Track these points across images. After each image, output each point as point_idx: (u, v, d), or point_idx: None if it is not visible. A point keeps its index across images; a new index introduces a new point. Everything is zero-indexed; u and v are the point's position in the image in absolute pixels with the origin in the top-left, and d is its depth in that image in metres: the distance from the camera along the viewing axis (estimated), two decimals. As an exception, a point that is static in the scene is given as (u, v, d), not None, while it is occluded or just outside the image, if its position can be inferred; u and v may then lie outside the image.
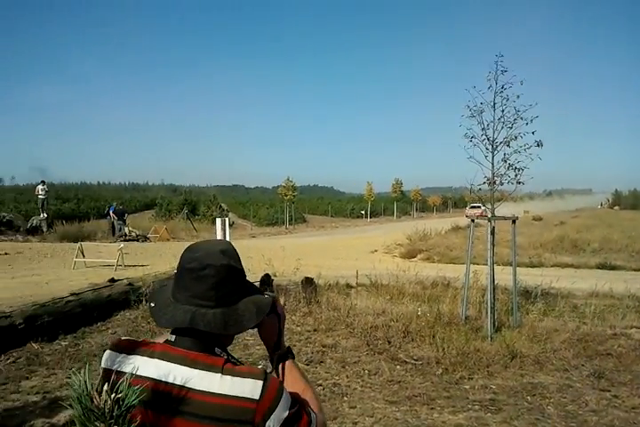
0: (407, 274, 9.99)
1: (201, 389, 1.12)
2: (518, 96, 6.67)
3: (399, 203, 60.30)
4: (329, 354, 5.99)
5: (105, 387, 0.99)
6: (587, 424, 4.34)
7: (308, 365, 5.59)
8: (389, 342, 6.39)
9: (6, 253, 15.48)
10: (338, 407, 4.63)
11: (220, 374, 1.14)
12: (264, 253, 12.55)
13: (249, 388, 1.13)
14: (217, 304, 1.20)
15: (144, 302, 7.57)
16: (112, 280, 7.82)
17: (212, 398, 1.11)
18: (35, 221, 23.50)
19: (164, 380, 1.14)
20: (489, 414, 4.57)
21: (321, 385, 5.10)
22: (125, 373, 1.15)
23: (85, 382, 1.01)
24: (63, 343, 6.18)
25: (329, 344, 6.25)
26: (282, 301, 7.44)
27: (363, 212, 55.16)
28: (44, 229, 22.92)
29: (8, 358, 5.53)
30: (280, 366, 1.36)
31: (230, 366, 1.17)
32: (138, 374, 1.14)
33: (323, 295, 8.22)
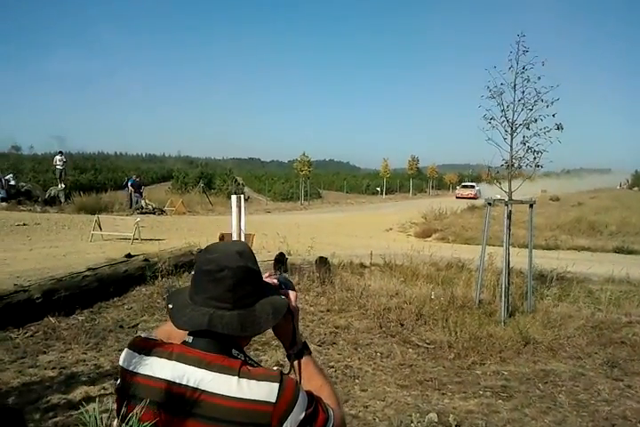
0: (421, 255, 9.95)
1: (217, 392, 1.12)
2: (539, 77, 6.51)
3: (415, 180, 59.91)
4: (341, 335, 6.02)
5: (115, 423, 0.98)
6: (598, 414, 4.34)
7: (320, 346, 5.63)
8: (402, 325, 6.40)
9: (25, 224, 15.66)
10: (349, 390, 4.66)
11: (236, 378, 1.14)
12: (279, 230, 12.57)
13: (265, 391, 1.13)
14: (234, 306, 1.20)
15: (160, 278, 7.65)
16: (128, 256, 7.89)
17: (228, 402, 1.11)
18: (52, 192, 23.72)
19: (178, 382, 1.14)
20: (500, 400, 4.58)
21: (333, 367, 5.13)
22: (140, 374, 1.18)
23: (96, 417, 1.00)
24: (80, 318, 6.27)
25: (342, 325, 6.27)
26: (295, 280, 7.46)
27: (378, 189, 54.83)
28: (62, 200, 23.15)
29: (26, 332, 5.62)
30: (297, 362, 1.35)
31: (247, 369, 1.17)
32: (154, 375, 1.16)
33: (336, 275, 8.23)
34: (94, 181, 36.62)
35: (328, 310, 6.69)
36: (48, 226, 16.09)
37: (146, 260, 7.95)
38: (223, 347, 1.20)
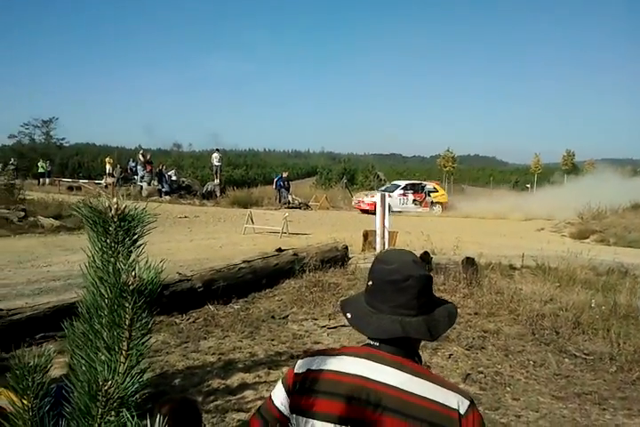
0: (578, 258, 9.26)
1: (411, 391, 1.18)
2: None
3: (570, 176, 55.88)
4: (490, 340, 5.80)
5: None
6: None
7: (468, 350, 5.47)
8: (557, 333, 6.01)
9: (186, 217, 17.03)
10: (500, 398, 4.49)
11: (427, 381, 1.20)
12: (422, 228, 12.41)
13: (455, 401, 1.18)
14: (418, 312, 1.26)
15: (307, 272, 7.91)
16: (279, 250, 8.25)
17: (420, 401, 1.16)
18: (209, 187, 25.54)
19: (373, 378, 1.20)
20: (673, 423, 4.14)
21: (482, 373, 4.97)
22: (330, 370, 1.25)
23: None
24: (236, 307, 6.70)
25: (490, 330, 6.04)
26: (441, 280, 7.32)
27: (528, 185, 51.99)
28: (218, 195, 24.82)
29: (189, 318, 6.12)
30: None
31: (435, 375, 1.26)
32: (346, 371, 1.23)
33: (484, 276, 7.94)
34: (246, 177, 38.91)
35: (476, 313, 6.48)
36: (206, 219, 17.36)
37: (295, 254, 8.26)
38: (408, 352, 1.26)
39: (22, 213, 14.31)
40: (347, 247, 9.29)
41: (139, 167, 26.14)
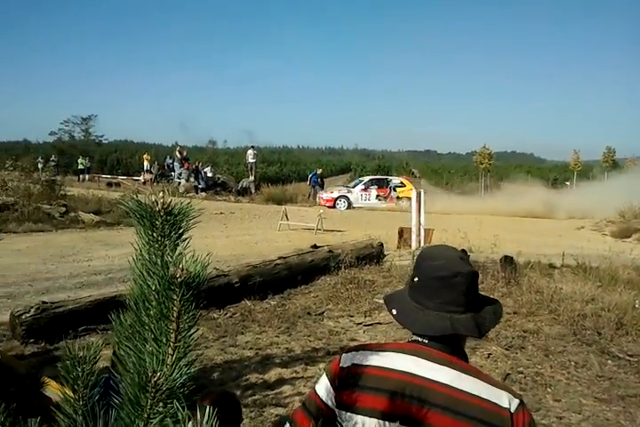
0: (620, 257, 9.01)
1: (460, 388, 1.16)
2: None
3: (611, 173, 54.38)
4: (530, 340, 5.69)
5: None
6: None
7: (507, 350, 5.38)
8: (599, 334, 5.86)
9: (221, 213, 17.22)
10: (540, 399, 4.40)
11: (476, 379, 1.19)
12: (459, 226, 12.26)
13: (505, 399, 1.16)
14: (466, 309, 1.24)
15: (343, 269, 7.90)
16: (314, 246, 8.27)
17: (470, 399, 1.15)
18: (244, 183, 25.80)
19: (421, 375, 1.19)
20: None
21: (522, 373, 4.88)
22: (376, 366, 1.23)
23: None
24: (272, 302, 6.74)
25: (530, 330, 5.93)
26: (479, 278, 7.19)
27: (567, 182, 50.75)
28: (252, 191, 25.03)
29: (226, 313, 6.19)
30: None
31: (484, 374, 1.25)
32: (393, 368, 1.22)
33: (523, 275, 7.79)
34: (280, 174, 39.12)
35: (515, 313, 6.36)
36: (241, 215, 17.52)
37: (330, 251, 8.27)
38: (455, 349, 1.25)
39: (63, 209, 14.72)
40: (382, 244, 9.25)
41: (175, 164, 26.56)
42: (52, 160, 31.16)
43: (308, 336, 5.52)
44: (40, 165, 19.64)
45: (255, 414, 3.76)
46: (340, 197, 23.50)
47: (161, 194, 0.84)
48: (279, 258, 7.53)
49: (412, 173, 40.75)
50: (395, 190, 24.00)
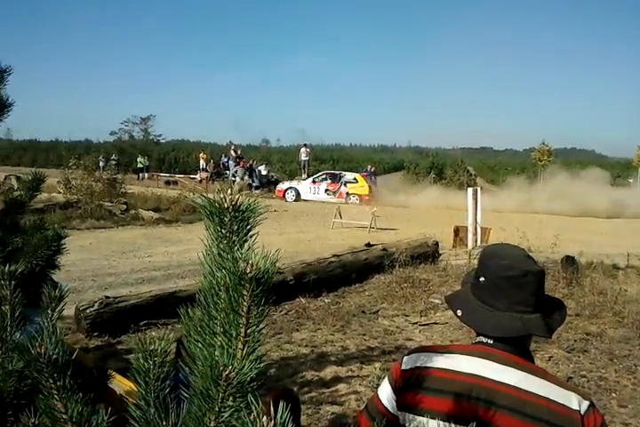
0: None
1: (528, 389, 1.14)
2: None
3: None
4: (593, 343, 5.49)
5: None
6: None
7: (569, 353, 5.21)
8: (668, 338, 5.60)
9: (275, 211, 17.41)
10: (605, 404, 4.24)
11: (543, 380, 1.16)
12: (517, 224, 11.95)
13: (575, 401, 1.13)
14: (535, 309, 1.22)
15: (397, 267, 7.85)
16: (368, 245, 8.24)
17: (538, 400, 1.13)
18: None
19: (488, 377, 1.17)
20: None
21: (585, 377, 4.72)
22: (441, 369, 1.22)
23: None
24: (326, 300, 6.77)
25: (593, 332, 5.72)
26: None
27: (630, 180, 48.63)
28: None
29: (281, 310, 6.25)
30: None
31: (551, 375, 1.23)
32: (460, 370, 1.20)
33: (585, 276, 7.52)
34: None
35: (577, 315, 6.14)
36: (294, 213, 17.66)
37: (384, 249, 8.22)
38: (521, 350, 1.22)
39: (124, 206, 15.23)
40: (437, 243, 9.14)
41: (230, 162, 27.04)
42: (113, 159, 32.27)
43: (363, 335, 5.51)
44: (101, 164, 20.38)
45: (312, 412, 3.79)
46: (290, 188, 23.71)
47: (229, 191, 0.85)
48: (333, 256, 7.55)
49: (467, 171, 39.88)
50: (345, 186, 23.44)
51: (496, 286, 1.24)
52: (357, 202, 22.86)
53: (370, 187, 23.68)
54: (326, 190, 23.59)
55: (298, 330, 5.65)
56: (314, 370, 4.55)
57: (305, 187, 23.46)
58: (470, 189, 11.07)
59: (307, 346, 5.14)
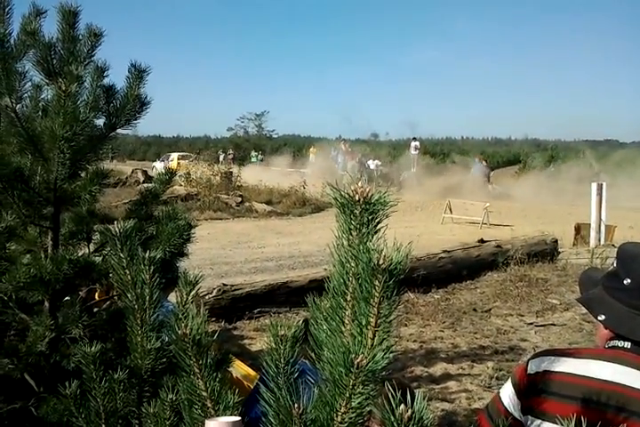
0: None
1: None
2: None
3: None
4: None
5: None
6: None
7: None
8: None
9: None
10: None
11: None
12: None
13: None
14: None
15: (512, 265, 7.56)
16: (481, 241, 8.00)
17: None
18: (406, 175, 25.72)
19: (623, 383, 1.12)
20: None
21: None
22: (566, 373, 1.17)
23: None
24: (436, 296, 6.67)
25: None
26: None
27: None
28: (414, 184, 24.87)
29: (390, 305, 6.23)
30: None
31: None
32: (593, 376, 1.15)
33: None
34: (442, 165, 38.25)
35: None
36: (403, 207, 17.47)
37: (498, 246, 7.95)
38: None
39: (239, 199, 15.90)
40: (556, 241, 8.67)
41: (339, 156, 27.29)
42: (229, 153, 33.75)
43: (474, 333, 5.37)
44: (221, 158, 21.43)
45: (421, 407, 3.76)
46: None
47: (360, 184, 0.87)
48: (443, 251, 7.41)
49: (590, 165, 37.42)
50: None
51: None
52: None
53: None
54: None
55: (406, 325, 5.62)
56: (423, 366, 4.52)
57: None
58: (594, 184, 10.41)
59: (415, 341, 5.11)
